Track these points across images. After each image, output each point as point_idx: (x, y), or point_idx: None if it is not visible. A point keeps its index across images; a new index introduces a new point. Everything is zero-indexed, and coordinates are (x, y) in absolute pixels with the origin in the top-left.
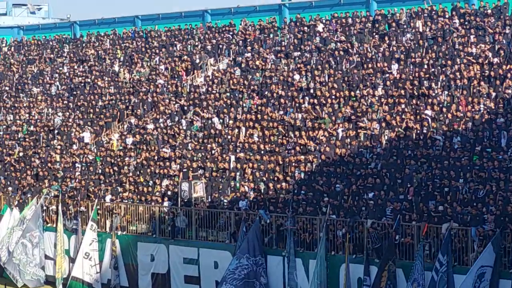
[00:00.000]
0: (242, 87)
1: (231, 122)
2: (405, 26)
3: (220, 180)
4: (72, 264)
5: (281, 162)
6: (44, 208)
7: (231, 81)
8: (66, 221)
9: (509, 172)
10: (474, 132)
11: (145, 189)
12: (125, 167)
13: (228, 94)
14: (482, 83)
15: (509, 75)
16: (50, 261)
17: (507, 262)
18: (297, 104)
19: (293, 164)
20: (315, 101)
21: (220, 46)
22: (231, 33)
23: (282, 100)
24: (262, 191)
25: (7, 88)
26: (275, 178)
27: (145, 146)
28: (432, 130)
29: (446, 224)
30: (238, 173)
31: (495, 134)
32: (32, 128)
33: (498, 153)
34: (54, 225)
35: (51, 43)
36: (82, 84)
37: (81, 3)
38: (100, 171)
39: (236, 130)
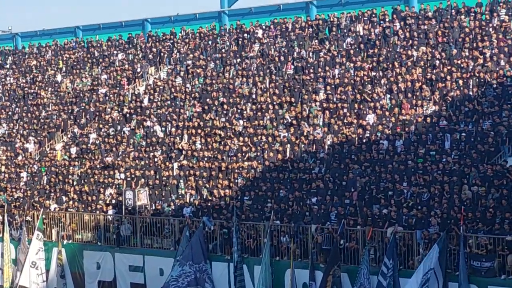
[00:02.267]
0: (184, 94)
1: (173, 130)
2: (345, 31)
3: (163, 187)
4: (19, 273)
5: (223, 169)
6: None
7: (172, 89)
8: (12, 230)
9: (453, 175)
10: (417, 135)
11: (89, 198)
12: (70, 177)
13: (169, 102)
14: (424, 86)
15: (448, 77)
16: None
17: (452, 264)
18: (239, 111)
19: (236, 170)
20: (257, 107)
21: (161, 54)
22: (171, 41)
23: (224, 107)
24: (205, 198)
25: None
26: (218, 185)
27: (88, 155)
28: (376, 133)
29: (391, 228)
30: (181, 180)
31: (438, 137)
32: None
33: (442, 156)
34: (1, 235)
35: None
36: (25, 95)
37: (22, 15)
38: (45, 181)
39: (178, 138)
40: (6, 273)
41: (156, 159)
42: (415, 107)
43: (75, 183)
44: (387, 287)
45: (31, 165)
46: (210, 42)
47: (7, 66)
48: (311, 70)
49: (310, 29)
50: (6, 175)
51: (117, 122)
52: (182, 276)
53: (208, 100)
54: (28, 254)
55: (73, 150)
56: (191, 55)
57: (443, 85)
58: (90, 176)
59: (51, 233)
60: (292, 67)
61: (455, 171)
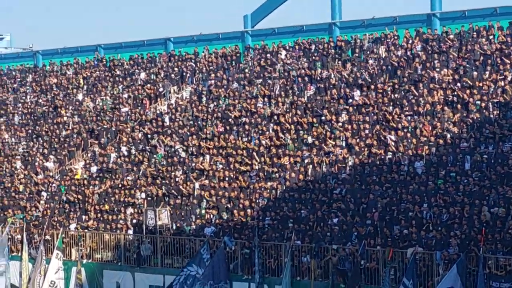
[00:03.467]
0: (206, 114)
1: (194, 149)
2: (368, 52)
3: (184, 207)
4: None
5: (245, 189)
6: (9, 237)
7: (194, 109)
8: (31, 249)
9: (473, 196)
10: (438, 157)
11: (110, 217)
12: (90, 196)
13: (191, 122)
14: (445, 108)
15: (471, 100)
16: None
17: (472, 285)
18: (260, 131)
19: (258, 190)
20: (279, 127)
21: (183, 74)
22: (193, 61)
23: (245, 127)
24: (227, 218)
25: None
26: (240, 205)
27: (109, 174)
28: (397, 155)
29: (411, 248)
30: (203, 200)
31: (459, 158)
32: None
33: (462, 177)
34: (19, 254)
35: (13, 72)
36: (46, 113)
37: (43, 33)
38: (64, 199)
39: (200, 158)
40: None
41: (177, 179)
42: (436, 129)
43: (95, 202)
44: None
45: (50, 184)
46: (233, 62)
47: (28, 84)
48: (334, 91)
49: (333, 50)
50: (26, 194)
51: (138, 141)
52: None
53: (230, 120)
54: (47, 274)
55: (93, 169)
56: (213, 75)
57: (464, 107)
58: (111, 195)
59: (71, 253)
60: (313, 87)
61: (475, 192)
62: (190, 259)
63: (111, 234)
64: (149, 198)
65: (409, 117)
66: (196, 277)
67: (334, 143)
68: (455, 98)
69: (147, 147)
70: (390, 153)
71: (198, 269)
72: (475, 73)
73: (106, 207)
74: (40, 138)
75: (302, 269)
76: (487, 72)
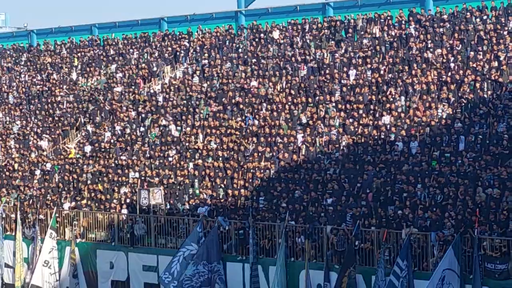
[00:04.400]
0: (199, 94)
1: (188, 129)
2: (362, 32)
3: (178, 187)
4: (31, 272)
5: (239, 169)
6: (3, 216)
7: (188, 88)
8: (25, 229)
9: (467, 177)
10: (432, 137)
11: (103, 196)
12: (83, 175)
13: (185, 101)
14: (444, 88)
15: (466, 80)
16: (9, 269)
17: (467, 267)
18: (254, 111)
19: (251, 170)
20: (273, 107)
21: (177, 53)
22: (187, 40)
23: (240, 107)
24: (221, 197)
25: None
26: (234, 185)
27: (103, 154)
28: (391, 135)
29: (405, 229)
30: (196, 180)
31: (453, 139)
32: None
33: (457, 158)
34: (13, 233)
35: (8, 51)
36: (40, 93)
37: (38, 12)
38: (58, 179)
39: (194, 137)
40: (18, 272)
41: (171, 159)
42: (430, 109)
43: (89, 181)
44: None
45: (44, 163)
46: (226, 42)
47: (22, 63)
48: (327, 71)
49: (327, 30)
50: (20, 173)
51: (132, 120)
52: (196, 276)
53: (224, 99)
54: (41, 253)
55: (87, 148)
56: (207, 55)
57: (458, 87)
58: (104, 175)
59: (64, 232)
60: (307, 67)
61: (470, 173)
62: (187, 238)
63: (105, 213)
64: (142, 178)
65: (403, 97)
66: (193, 254)
67: (328, 123)
68: (449, 79)
69: (141, 127)
70: (384, 133)
71: (196, 246)
72: (471, 53)
73: (100, 186)
74: (34, 117)
75: (296, 250)
76: (481, 52)
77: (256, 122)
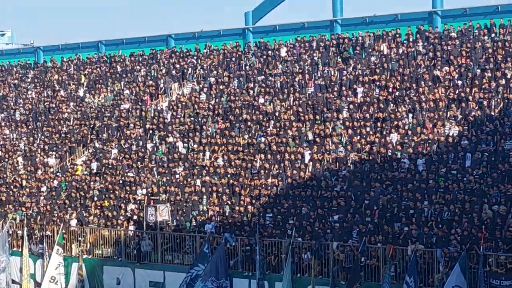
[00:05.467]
0: (207, 111)
1: (195, 146)
2: (369, 50)
3: (185, 204)
4: None
5: (246, 186)
6: (10, 232)
7: (195, 106)
8: (31, 245)
9: (473, 194)
10: (439, 155)
11: (110, 213)
12: (90, 192)
13: (192, 118)
14: (453, 105)
15: (471, 97)
16: (16, 285)
17: (472, 283)
18: (262, 128)
19: (259, 187)
20: (280, 124)
21: (184, 70)
22: (195, 57)
23: (247, 124)
24: (227, 214)
25: None
26: (241, 201)
27: (110, 170)
28: (397, 152)
29: (411, 245)
30: (204, 197)
31: (460, 156)
32: None
33: (463, 175)
34: (20, 250)
35: (15, 68)
36: (47, 109)
37: (44, 29)
38: (65, 195)
39: (201, 154)
40: None
41: (177, 175)
42: (437, 127)
43: (95, 198)
44: None
45: (51, 180)
46: (233, 59)
47: (29, 80)
48: (335, 88)
49: (334, 48)
50: (27, 190)
51: (139, 137)
52: None
53: (231, 117)
54: (47, 269)
55: (94, 165)
56: (214, 72)
57: (465, 105)
58: (111, 191)
59: (71, 248)
60: (314, 85)
61: (476, 190)
62: (195, 259)
63: (112, 230)
64: (149, 195)
65: (410, 115)
66: (199, 275)
67: (335, 140)
68: (456, 96)
69: (148, 143)
70: (391, 151)
71: (202, 267)
72: (478, 71)
73: (106, 203)
74: (41, 134)
75: (303, 266)
76: (489, 70)
77: (263, 139)
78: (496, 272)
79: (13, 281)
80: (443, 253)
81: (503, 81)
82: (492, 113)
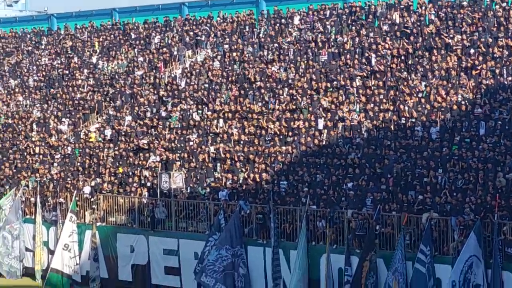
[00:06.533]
0: (220, 78)
1: (209, 113)
2: (382, 18)
3: (199, 171)
4: (51, 255)
5: (260, 153)
6: (23, 199)
7: (209, 73)
8: (45, 212)
9: (487, 162)
10: (452, 123)
11: (124, 180)
12: (104, 159)
13: (206, 85)
14: (462, 74)
15: (485, 66)
16: (29, 253)
17: (486, 251)
18: (275, 96)
19: (273, 154)
20: (294, 92)
21: (198, 38)
22: (208, 25)
23: (261, 91)
24: (241, 181)
25: None
26: (255, 169)
27: (123, 137)
28: (411, 120)
29: (426, 214)
30: (217, 164)
31: (473, 124)
32: (10, 120)
33: (477, 143)
34: (33, 217)
35: (28, 35)
36: (60, 76)
37: None
38: (78, 162)
39: (215, 121)
40: (38, 256)
41: (191, 142)
42: (450, 95)
43: (109, 165)
44: (426, 274)
45: (65, 147)
46: (247, 27)
47: (42, 47)
48: (348, 56)
49: (347, 16)
50: (40, 157)
51: (153, 104)
52: (219, 260)
53: (245, 84)
54: (61, 236)
55: (108, 132)
56: (228, 39)
57: (478, 73)
58: (125, 158)
59: (84, 215)
60: (327, 53)
61: (490, 158)
62: (213, 228)
63: (125, 197)
64: (163, 162)
65: (423, 83)
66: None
67: (348, 108)
68: (469, 64)
69: (162, 111)
70: (404, 119)
71: (219, 235)
72: (489, 39)
73: (120, 170)
74: (54, 101)
75: (317, 234)
76: (502, 39)
77: (277, 106)
78: (511, 241)
79: (27, 249)
80: (458, 221)
81: None
82: (505, 82)
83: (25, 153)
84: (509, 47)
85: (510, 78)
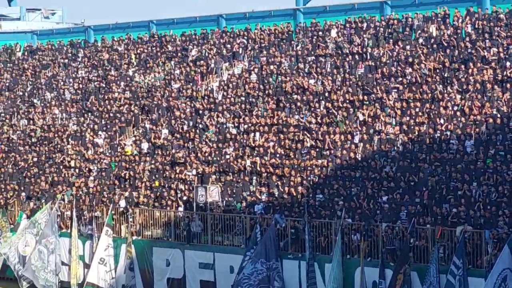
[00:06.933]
0: (257, 91)
1: (246, 126)
2: (418, 31)
3: (235, 184)
4: (87, 269)
5: (296, 166)
6: (59, 213)
7: (246, 86)
8: (80, 226)
9: None
10: (487, 136)
11: (160, 193)
12: (140, 172)
13: (243, 98)
14: (496, 87)
15: None
16: (65, 267)
17: None
18: (312, 109)
19: (309, 168)
20: (330, 105)
21: (235, 50)
22: (246, 37)
23: (297, 104)
24: (277, 195)
25: (20, 93)
26: (291, 182)
27: (160, 150)
28: (446, 133)
29: (460, 227)
30: (253, 178)
31: (508, 137)
32: (46, 133)
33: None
34: (69, 231)
35: (65, 48)
36: (96, 89)
37: (95, 8)
38: (115, 176)
39: (252, 135)
40: (74, 269)
41: (228, 156)
42: (485, 108)
43: (145, 178)
44: (457, 285)
45: (101, 160)
46: (284, 40)
47: (79, 59)
48: (385, 69)
49: (384, 29)
50: (76, 170)
51: (190, 117)
52: (254, 274)
53: (281, 97)
54: (96, 250)
55: (144, 145)
56: (265, 52)
57: None
58: (161, 171)
59: (120, 229)
60: (364, 65)
61: None
62: (250, 242)
63: (161, 211)
64: (199, 175)
65: (459, 96)
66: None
67: (384, 121)
68: (504, 77)
69: (199, 124)
70: (440, 132)
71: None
72: None
73: (157, 183)
74: (90, 114)
75: (352, 247)
76: None
77: (313, 119)
78: None
79: (62, 263)
80: (492, 234)
81: None
82: None
83: (61, 167)
84: None
85: None
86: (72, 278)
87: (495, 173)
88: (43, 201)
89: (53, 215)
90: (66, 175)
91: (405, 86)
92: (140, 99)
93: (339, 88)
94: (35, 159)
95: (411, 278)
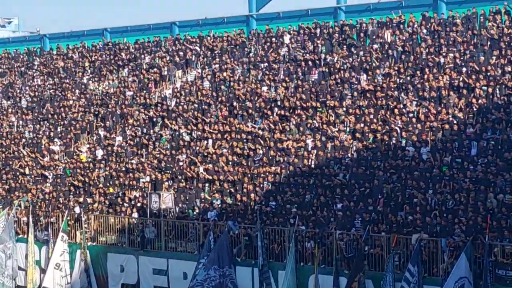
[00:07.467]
0: (210, 98)
1: (199, 133)
2: (373, 37)
3: (188, 191)
4: (43, 274)
5: (249, 174)
6: (16, 219)
7: (199, 93)
8: (37, 232)
9: (479, 183)
10: (443, 143)
11: (114, 200)
12: (95, 179)
13: (196, 105)
14: (451, 93)
15: (477, 84)
16: (21, 271)
17: (476, 273)
18: (265, 116)
19: (261, 175)
20: (283, 112)
21: (188, 58)
22: (199, 45)
23: (250, 111)
24: (230, 202)
25: None
26: (244, 190)
27: (114, 157)
28: (401, 140)
29: (416, 235)
30: (206, 184)
31: (465, 144)
32: (2, 140)
33: (468, 163)
34: (25, 236)
35: (21, 56)
36: (52, 97)
37: (50, 16)
38: (70, 182)
39: (205, 142)
40: (30, 275)
41: (181, 163)
42: (441, 114)
43: (100, 185)
44: None
45: (56, 167)
46: (237, 47)
47: (35, 67)
48: (338, 76)
49: (338, 35)
50: (32, 176)
51: (143, 125)
52: (208, 281)
53: (234, 104)
54: (52, 256)
55: (99, 152)
56: (218, 59)
57: (470, 92)
58: (115, 178)
59: (76, 235)
60: (318, 72)
61: (481, 179)
62: (203, 249)
63: (116, 217)
64: (153, 182)
65: (414, 102)
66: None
67: (338, 128)
68: (461, 83)
69: (152, 131)
70: (395, 139)
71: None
72: (481, 58)
73: (111, 190)
74: (46, 121)
75: (306, 254)
76: (494, 57)
77: (266, 126)
78: (501, 262)
79: (19, 268)
80: (448, 242)
81: (508, 69)
82: (498, 102)
83: (18, 173)
84: (502, 66)
85: (503, 98)
86: (29, 283)
87: (451, 181)
88: (0, 207)
89: (10, 221)
90: (23, 182)
91: (360, 92)
92: (95, 106)
93: (292, 95)
94: None
95: (365, 286)
